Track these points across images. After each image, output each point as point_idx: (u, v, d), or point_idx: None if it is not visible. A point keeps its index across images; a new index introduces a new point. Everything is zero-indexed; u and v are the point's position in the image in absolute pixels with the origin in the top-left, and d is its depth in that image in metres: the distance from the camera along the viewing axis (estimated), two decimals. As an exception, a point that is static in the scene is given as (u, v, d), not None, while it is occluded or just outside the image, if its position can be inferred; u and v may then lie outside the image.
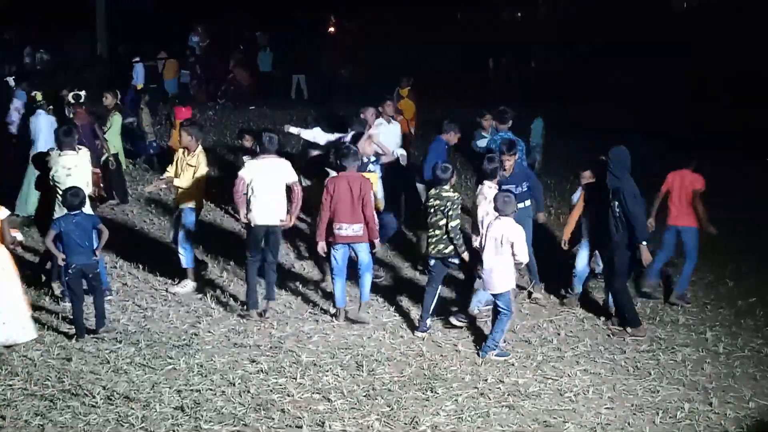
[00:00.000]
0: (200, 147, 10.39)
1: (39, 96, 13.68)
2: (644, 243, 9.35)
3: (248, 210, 9.53)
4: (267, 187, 9.51)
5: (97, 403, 7.54)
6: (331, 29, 31.22)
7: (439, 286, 9.51)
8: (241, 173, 9.62)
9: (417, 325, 9.48)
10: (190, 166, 10.17)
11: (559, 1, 33.79)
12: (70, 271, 8.95)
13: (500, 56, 27.68)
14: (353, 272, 9.83)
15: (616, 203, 9.36)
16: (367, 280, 9.72)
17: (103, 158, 13.12)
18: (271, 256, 9.73)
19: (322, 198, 9.55)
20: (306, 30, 28.76)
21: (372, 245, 9.69)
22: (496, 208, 8.79)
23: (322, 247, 9.66)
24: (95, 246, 9.12)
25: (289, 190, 9.71)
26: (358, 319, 9.65)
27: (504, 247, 8.70)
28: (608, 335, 9.55)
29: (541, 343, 9.25)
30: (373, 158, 10.92)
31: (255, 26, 27.58)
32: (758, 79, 23.01)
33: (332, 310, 9.88)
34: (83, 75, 21.37)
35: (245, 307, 9.78)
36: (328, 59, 28.39)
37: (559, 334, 9.53)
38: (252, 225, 9.58)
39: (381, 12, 30.87)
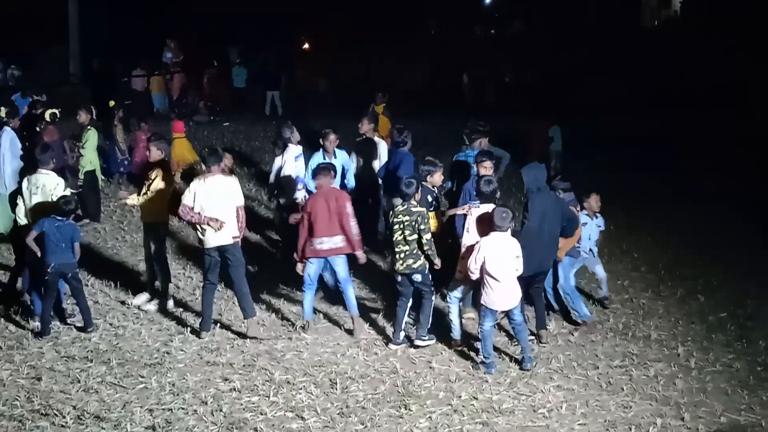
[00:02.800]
0: (164, 162, 10.36)
1: (2, 112, 13.57)
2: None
3: (200, 232, 9.33)
4: (216, 208, 9.23)
5: (67, 423, 7.45)
6: (306, 45, 31.23)
7: (410, 300, 9.50)
8: (184, 200, 9.29)
9: (391, 338, 9.49)
10: (151, 180, 10.13)
11: (532, 19, 34.07)
12: (49, 270, 9.14)
13: (474, 71, 27.94)
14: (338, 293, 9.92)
15: (524, 212, 9.63)
16: (350, 292, 9.75)
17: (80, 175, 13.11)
18: (237, 276, 9.47)
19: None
20: (279, 46, 28.81)
21: (355, 258, 9.76)
22: (494, 225, 8.80)
23: (300, 268, 9.66)
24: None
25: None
26: (359, 334, 9.67)
27: (513, 261, 8.79)
28: (582, 345, 9.64)
29: (514, 359, 9.26)
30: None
31: (227, 42, 27.63)
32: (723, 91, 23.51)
33: (301, 323, 9.89)
34: (56, 92, 21.15)
35: (199, 328, 9.58)
36: (303, 74, 28.42)
37: (532, 350, 9.53)
38: (205, 248, 9.38)
39: (354, 28, 30.99)
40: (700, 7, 31.29)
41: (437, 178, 10.26)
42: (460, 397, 8.25)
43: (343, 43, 31.03)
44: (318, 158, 11.45)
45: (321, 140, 11.65)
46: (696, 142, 20.18)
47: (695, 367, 9.16)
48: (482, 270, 8.80)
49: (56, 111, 13.10)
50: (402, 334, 9.46)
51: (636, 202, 11.31)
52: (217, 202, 9.26)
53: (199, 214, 9.21)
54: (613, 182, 10.30)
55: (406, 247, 9.24)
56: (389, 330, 9.80)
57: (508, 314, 9.04)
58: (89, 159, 13.54)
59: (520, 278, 9.07)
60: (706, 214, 14.99)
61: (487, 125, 11.82)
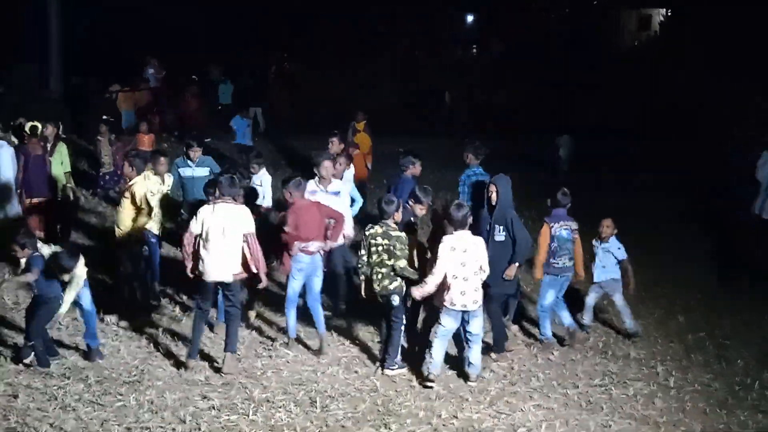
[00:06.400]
0: (138, 178, 10.33)
1: None
2: (517, 264, 9.65)
3: (198, 263, 8.87)
4: (221, 238, 8.76)
5: (43, 441, 7.37)
6: (273, 68, 31.21)
7: (404, 322, 9.35)
8: (192, 227, 8.87)
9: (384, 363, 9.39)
10: (125, 198, 10.08)
11: (513, 40, 34.38)
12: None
13: (456, 91, 28.19)
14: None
15: (501, 228, 9.62)
16: (320, 310, 9.77)
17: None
18: (230, 306, 9.07)
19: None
20: (257, 64, 28.95)
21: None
22: (454, 223, 8.79)
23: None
24: None
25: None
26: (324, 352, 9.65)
27: (476, 260, 8.76)
28: (562, 364, 9.66)
29: (494, 378, 9.27)
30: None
31: (208, 59, 27.66)
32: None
33: (283, 340, 9.89)
34: (32, 108, 21.03)
35: (187, 354, 9.24)
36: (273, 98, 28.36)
37: (512, 369, 9.56)
38: (203, 281, 8.94)
39: (331, 49, 31.17)
40: (679, 28, 31.65)
41: (416, 169, 11.20)
42: (440, 415, 8.23)
43: (313, 67, 31.21)
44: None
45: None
46: (672, 163, 20.38)
47: (674, 386, 9.21)
48: (440, 269, 8.73)
49: (37, 124, 13.01)
50: (399, 359, 9.33)
51: (614, 223, 11.44)
52: (223, 232, 8.78)
53: (194, 250, 8.87)
54: (589, 201, 10.37)
55: (383, 270, 9.11)
56: (374, 348, 9.78)
57: (463, 321, 8.90)
58: (68, 172, 13.51)
59: (500, 298, 9.11)
60: (684, 234, 15.14)
61: (484, 148, 11.72)
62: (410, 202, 9.79)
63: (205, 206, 9.02)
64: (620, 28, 38.52)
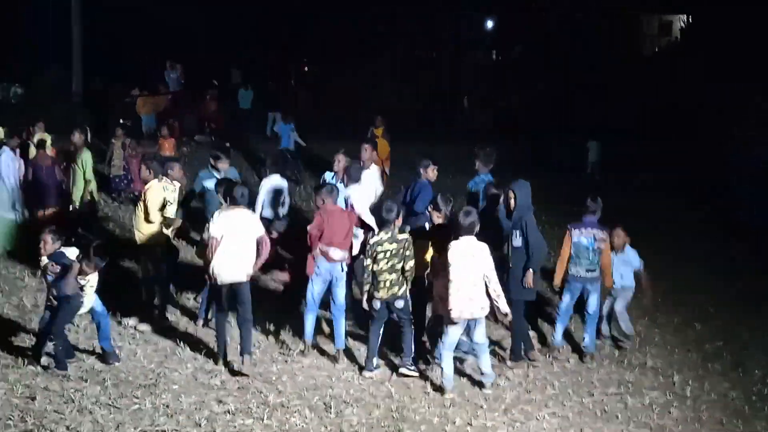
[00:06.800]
0: (153, 182, 10.34)
1: (2, 133, 13.65)
2: (532, 270, 9.53)
3: (214, 266, 9.06)
4: (237, 242, 9.03)
5: (60, 443, 7.43)
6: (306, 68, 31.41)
7: (382, 326, 9.43)
8: (212, 231, 9.06)
9: (365, 366, 9.46)
10: (144, 202, 10.14)
11: (535, 45, 34.32)
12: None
13: (474, 95, 28.22)
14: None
15: (518, 232, 9.55)
16: (341, 323, 9.73)
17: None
18: (243, 311, 9.22)
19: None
20: (279, 69, 29.04)
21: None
22: (461, 229, 8.75)
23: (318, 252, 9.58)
24: None
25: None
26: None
27: (480, 266, 8.74)
28: (578, 372, 9.63)
29: (509, 385, 9.25)
30: None
31: (229, 63, 27.78)
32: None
33: (300, 347, 9.85)
34: (55, 111, 21.24)
35: (218, 354, 9.51)
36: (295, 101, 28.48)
37: (528, 376, 9.54)
38: (217, 282, 9.15)
39: (352, 53, 31.24)
40: (700, 33, 31.58)
41: (431, 173, 11.12)
42: (454, 422, 8.23)
43: (331, 70, 31.29)
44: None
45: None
46: (691, 168, 20.30)
47: (691, 396, 9.17)
48: (448, 276, 8.68)
49: (45, 137, 13.20)
50: (375, 360, 9.42)
51: (634, 228, 11.37)
52: (238, 235, 9.04)
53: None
54: (611, 206, 10.34)
55: (393, 276, 9.13)
56: (390, 354, 9.79)
57: (468, 329, 8.90)
58: (89, 180, 13.59)
59: (520, 305, 9.11)
60: (703, 240, 15.05)
61: (495, 153, 11.67)
62: (429, 208, 9.81)
63: (221, 211, 9.22)
64: (641, 33, 38.42)
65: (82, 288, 8.83)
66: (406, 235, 9.25)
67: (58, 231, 9.05)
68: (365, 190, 11.01)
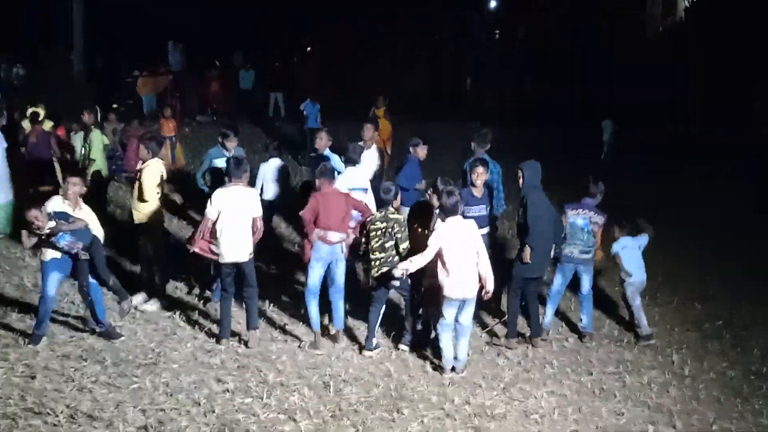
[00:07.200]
0: (151, 161, 10.23)
1: None
2: (528, 247, 9.45)
3: (215, 246, 9.17)
4: (236, 220, 9.09)
5: (59, 422, 7.43)
6: (308, 48, 31.35)
7: (383, 306, 9.48)
8: (208, 210, 9.14)
9: (364, 344, 9.49)
10: (140, 181, 10.11)
11: (535, 27, 34.13)
12: None
13: (477, 76, 28.12)
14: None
15: (521, 210, 9.58)
16: (340, 305, 9.69)
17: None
18: (248, 286, 9.34)
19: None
20: (282, 49, 28.95)
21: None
22: (446, 210, 8.69)
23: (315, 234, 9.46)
24: None
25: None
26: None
27: (472, 246, 8.69)
28: (576, 351, 9.60)
29: (508, 364, 9.27)
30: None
31: (231, 45, 27.69)
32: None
33: (308, 339, 9.63)
34: (59, 91, 21.16)
35: (218, 335, 9.51)
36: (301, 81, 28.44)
37: (527, 356, 9.56)
38: (220, 263, 9.27)
39: (356, 32, 31.17)
40: (704, 14, 31.33)
41: (420, 151, 11.36)
42: (452, 401, 8.26)
43: (337, 50, 31.21)
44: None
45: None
46: (697, 149, 20.30)
47: (689, 374, 9.18)
48: (440, 257, 8.64)
49: (37, 110, 13.11)
50: (375, 340, 9.45)
51: (635, 209, 11.37)
52: (237, 214, 9.12)
53: (209, 238, 9.15)
54: (613, 188, 10.31)
55: (382, 255, 9.16)
56: (388, 333, 9.80)
57: (458, 312, 8.84)
58: (96, 159, 13.59)
59: (518, 281, 9.15)
60: (704, 221, 15.03)
61: (491, 134, 11.59)
62: (429, 192, 9.79)
63: (219, 190, 9.23)
64: (645, 14, 38.17)
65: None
66: (397, 216, 9.22)
67: (35, 204, 8.95)
68: (363, 171, 10.98)
